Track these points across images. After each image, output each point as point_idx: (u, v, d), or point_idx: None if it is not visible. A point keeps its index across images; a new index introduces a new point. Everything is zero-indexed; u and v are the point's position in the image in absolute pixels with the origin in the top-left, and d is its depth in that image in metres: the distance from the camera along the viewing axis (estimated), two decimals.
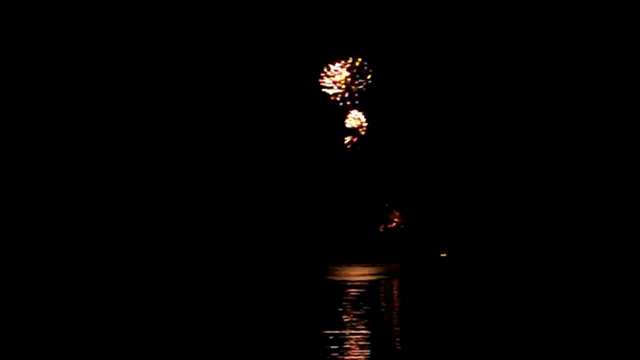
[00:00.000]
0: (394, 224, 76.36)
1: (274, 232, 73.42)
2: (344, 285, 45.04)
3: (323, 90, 74.57)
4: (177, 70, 67.75)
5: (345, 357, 19.56)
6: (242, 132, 72.44)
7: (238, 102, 72.22)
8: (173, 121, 67.54)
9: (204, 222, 69.17)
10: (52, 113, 60.01)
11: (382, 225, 76.85)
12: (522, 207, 59.76)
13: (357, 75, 74.36)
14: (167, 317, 28.80)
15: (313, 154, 75.52)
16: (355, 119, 75.42)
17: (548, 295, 36.41)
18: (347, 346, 21.17)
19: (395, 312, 30.90)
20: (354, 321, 26.66)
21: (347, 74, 74.73)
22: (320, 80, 74.62)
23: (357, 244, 76.13)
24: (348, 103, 75.04)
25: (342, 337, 22.78)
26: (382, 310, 31.57)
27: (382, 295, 39.66)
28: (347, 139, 75.85)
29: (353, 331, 24.05)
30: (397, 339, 23.35)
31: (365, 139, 75.88)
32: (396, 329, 26.12)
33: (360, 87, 74.53)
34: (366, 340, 22.33)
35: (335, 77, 74.63)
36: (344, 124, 75.48)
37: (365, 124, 75.61)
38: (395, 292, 41.94)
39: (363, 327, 25.24)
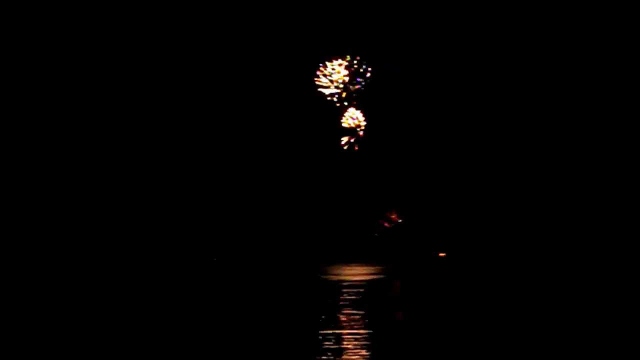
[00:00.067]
0: (392, 223, 76.27)
1: (274, 232, 73.35)
2: (343, 285, 45.06)
3: (319, 89, 74.44)
4: (177, 70, 67.65)
5: (345, 357, 19.46)
6: (242, 132, 72.33)
7: (238, 102, 72.12)
8: (173, 121, 67.44)
9: (204, 222, 69.10)
10: (52, 113, 59.92)
11: (381, 225, 76.75)
12: (522, 207, 59.67)
13: (355, 74, 74.25)
14: (166, 316, 28.72)
15: (312, 153, 75.43)
16: (352, 117, 75.27)
17: (548, 295, 36.31)
18: (347, 346, 21.08)
19: (394, 312, 30.83)
20: (353, 321, 26.59)
21: (345, 72, 74.60)
22: (317, 79, 74.51)
23: (356, 243, 76.04)
24: (345, 103, 74.97)
25: (341, 336, 22.70)
26: (381, 310, 31.52)
27: (381, 295, 39.65)
28: (345, 139, 75.73)
29: (352, 331, 23.97)
30: (397, 339, 23.24)
31: (364, 139, 75.78)
32: (395, 328, 26.01)
33: (358, 86, 74.41)
34: (365, 340, 22.24)
35: (333, 75, 74.49)
36: (340, 123, 75.35)
37: (363, 123, 75.46)
38: (394, 291, 41.93)
39: (362, 326, 25.17)
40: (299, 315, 29.32)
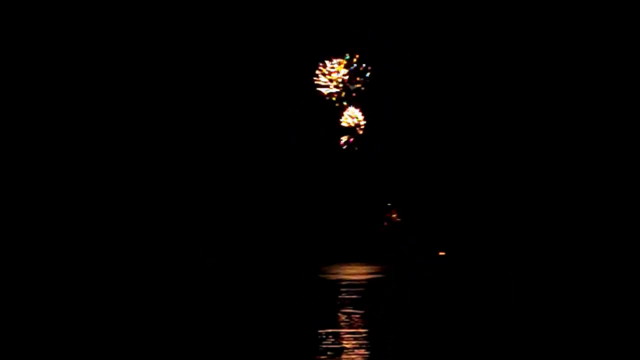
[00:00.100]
0: (392, 223, 76.24)
1: (274, 231, 73.36)
2: (342, 284, 45.05)
3: (318, 89, 74.43)
4: (177, 69, 67.65)
5: (344, 357, 19.43)
6: (241, 131, 72.33)
7: (237, 101, 72.12)
8: (172, 120, 67.43)
9: (204, 222, 69.09)
10: (52, 113, 59.91)
11: (380, 224, 76.74)
12: (522, 207, 59.65)
13: (355, 73, 74.23)
14: (165, 316, 28.71)
15: (312, 153, 75.44)
16: (351, 116, 75.25)
17: (548, 295, 36.27)
18: (346, 345, 21.05)
19: (393, 312, 30.79)
20: (353, 320, 26.57)
21: (345, 71, 74.58)
22: (316, 78, 74.49)
23: (355, 243, 76.08)
24: (345, 103, 74.92)
25: (340, 336, 22.68)
26: (381, 309, 31.47)
27: (381, 294, 39.62)
28: (344, 138, 75.70)
29: (351, 330, 23.95)
30: (396, 339, 23.19)
31: (363, 138, 75.76)
32: (395, 328, 25.96)
33: (358, 85, 74.39)
34: (364, 339, 22.21)
35: (332, 74, 74.48)
36: (339, 122, 75.34)
37: (362, 122, 75.43)
38: (393, 291, 41.91)
39: (361, 326, 25.14)
40: (298, 313, 29.31)
